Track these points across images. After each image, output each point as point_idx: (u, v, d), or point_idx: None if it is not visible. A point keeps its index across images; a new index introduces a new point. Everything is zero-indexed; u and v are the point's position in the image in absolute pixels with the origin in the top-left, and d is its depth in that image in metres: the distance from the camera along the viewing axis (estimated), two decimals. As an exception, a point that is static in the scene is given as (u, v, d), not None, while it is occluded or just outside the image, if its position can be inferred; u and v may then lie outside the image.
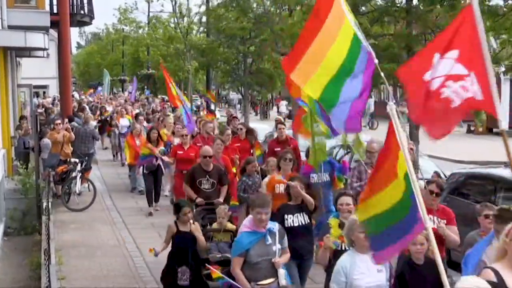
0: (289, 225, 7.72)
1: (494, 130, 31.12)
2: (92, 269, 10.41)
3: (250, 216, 6.90)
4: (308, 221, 7.98)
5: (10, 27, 18.59)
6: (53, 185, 15.44)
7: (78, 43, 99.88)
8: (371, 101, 40.33)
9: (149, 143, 14.46)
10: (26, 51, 23.92)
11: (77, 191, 15.27)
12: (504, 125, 5.40)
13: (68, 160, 15.70)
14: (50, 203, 12.71)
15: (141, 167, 14.74)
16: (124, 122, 21.63)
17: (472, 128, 32.86)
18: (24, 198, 14.50)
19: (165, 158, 13.91)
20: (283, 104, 44.66)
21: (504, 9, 10.82)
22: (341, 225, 6.83)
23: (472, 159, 21.18)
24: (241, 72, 24.66)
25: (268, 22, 19.99)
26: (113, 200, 15.98)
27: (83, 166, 15.57)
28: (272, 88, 28.09)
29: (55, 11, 24.09)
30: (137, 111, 23.75)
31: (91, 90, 49.89)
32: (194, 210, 9.44)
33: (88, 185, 15.63)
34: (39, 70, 40.92)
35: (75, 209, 14.73)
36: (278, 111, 43.89)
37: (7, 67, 19.44)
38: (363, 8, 12.37)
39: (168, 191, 15.68)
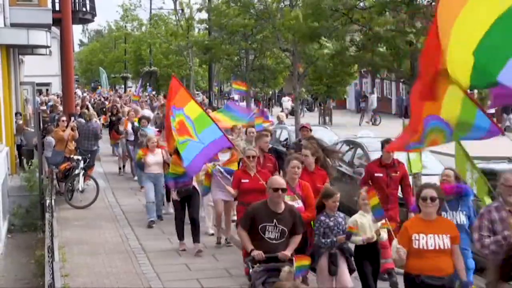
0: None
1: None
2: (96, 266, 10.43)
3: None
4: None
5: (13, 25, 18.64)
6: (56, 182, 15.48)
7: (80, 40, 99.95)
8: (374, 97, 40.37)
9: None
10: (29, 49, 23.96)
11: (80, 188, 15.29)
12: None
13: (71, 157, 15.73)
14: (53, 201, 12.74)
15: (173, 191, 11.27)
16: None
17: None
18: (28, 196, 14.54)
19: (229, 188, 9.78)
20: (285, 100, 44.62)
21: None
22: None
23: (474, 154, 21.13)
24: (243, 68, 24.65)
25: (269, 18, 19.98)
26: (116, 197, 16.00)
27: (86, 163, 15.61)
28: (274, 84, 28.10)
29: (57, 8, 24.08)
30: (145, 111, 21.36)
31: (108, 89, 49.51)
32: (251, 270, 6.94)
33: (95, 181, 15.52)
34: (42, 68, 40.98)
35: (78, 206, 14.74)
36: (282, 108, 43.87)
37: (10, 65, 19.47)
38: (366, 3, 12.35)
39: (212, 227, 12.07)
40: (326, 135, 18.00)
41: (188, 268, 10.21)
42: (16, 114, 19.96)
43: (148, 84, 45.66)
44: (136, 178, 17.30)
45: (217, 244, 11.27)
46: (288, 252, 6.92)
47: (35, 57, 30.55)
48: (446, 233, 6.22)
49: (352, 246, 7.85)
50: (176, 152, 10.80)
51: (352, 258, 7.73)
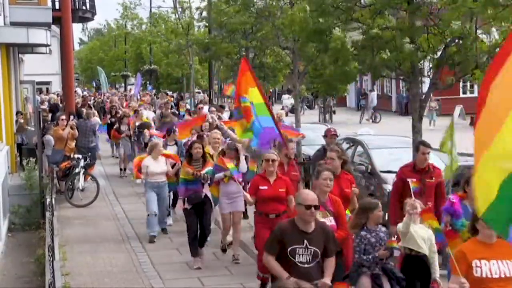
0: None
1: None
2: (96, 265, 10.43)
3: None
4: None
5: (13, 24, 18.63)
6: (56, 181, 15.49)
7: (80, 39, 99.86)
8: (374, 95, 40.35)
9: (188, 166, 10.20)
10: (29, 48, 23.99)
11: (81, 187, 15.30)
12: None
13: (71, 155, 15.74)
14: (53, 199, 12.75)
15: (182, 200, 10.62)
16: None
17: (475, 121, 32.91)
18: (28, 194, 14.56)
19: (247, 195, 8.88)
20: (285, 98, 44.56)
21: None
22: None
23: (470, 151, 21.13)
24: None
25: (269, 16, 19.96)
26: (116, 196, 16.01)
27: (86, 162, 15.62)
28: (274, 82, 28.08)
29: (57, 7, 24.09)
30: (143, 112, 19.85)
31: (108, 88, 49.37)
32: None
33: (95, 180, 15.50)
34: (42, 67, 41.00)
35: (78, 205, 14.77)
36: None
37: (10, 64, 19.47)
38: (366, 1, 12.31)
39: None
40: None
41: (189, 266, 10.20)
42: (17, 113, 19.98)
43: (148, 82, 45.65)
44: (138, 181, 17.05)
45: (223, 251, 10.61)
46: (327, 280, 6.04)
47: (35, 55, 30.56)
48: (510, 259, 5.37)
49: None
50: (188, 155, 10.29)
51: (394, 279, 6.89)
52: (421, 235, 7.10)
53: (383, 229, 7.02)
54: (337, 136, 11.59)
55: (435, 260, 7.18)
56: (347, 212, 7.90)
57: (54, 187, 14.66)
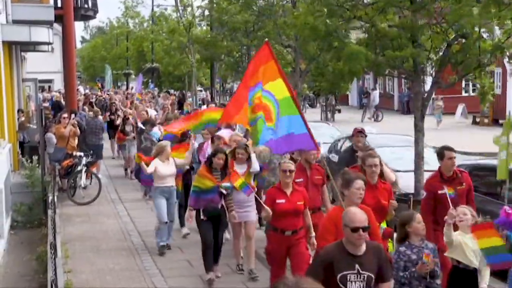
0: None
1: (500, 121, 31.09)
2: (98, 262, 10.44)
3: None
4: None
5: (15, 22, 18.64)
6: (58, 179, 15.53)
7: (82, 37, 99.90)
8: (376, 93, 40.36)
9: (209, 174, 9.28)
10: (31, 46, 24.00)
11: (83, 185, 15.33)
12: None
13: (73, 153, 15.77)
14: (55, 197, 12.76)
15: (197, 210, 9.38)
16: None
17: (477, 120, 32.85)
18: (30, 192, 14.58)
19: (267, 208, 7.94)
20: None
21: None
22: None
23: (477, 150, 21.14)
24: (245, 64, 24.64)
25: (271, 15, 19.97)
26: (118, 193, 16.02)
27: (88, 160, 15.64)
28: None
29: (59, 5, 24.08)
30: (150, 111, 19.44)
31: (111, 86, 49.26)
32: None
33: (97, 178, 15.50)
34: (44, 65, 41.06)
35: (80, 202, 14.80)
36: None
37: (12, 62, 19.50)
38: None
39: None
40: (328, 132, 18.07)
41: (190, 264, 10.21)
42: (18, 111, 20.02)
43: (150, 80, 45.68)
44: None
45: (239, 271, 9.73)
46: None
47: (37, 54, 30.62)
48: None
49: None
50: (209, 162, 9.37)
51: None
52: (472, 247, 6.53)
53: (430, 245, 6.44)
54: (365, 135, 10.54)
55: (486, 273, 6.55)
56: (383, 224, 7.43)
57: (56, 185, 14.69)
